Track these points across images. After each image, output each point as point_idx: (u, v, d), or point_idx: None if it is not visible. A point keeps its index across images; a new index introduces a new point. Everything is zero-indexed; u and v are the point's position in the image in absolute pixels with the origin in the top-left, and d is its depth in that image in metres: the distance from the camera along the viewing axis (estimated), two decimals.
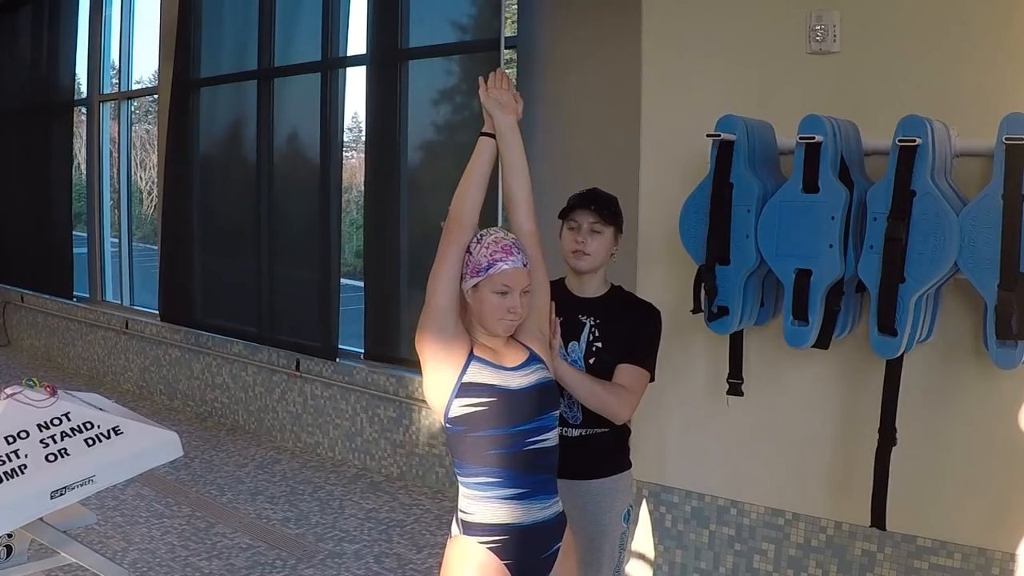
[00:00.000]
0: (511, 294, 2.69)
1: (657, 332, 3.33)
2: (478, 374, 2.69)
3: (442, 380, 2.71)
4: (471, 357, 2.72)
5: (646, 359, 3.25)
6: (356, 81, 7.20)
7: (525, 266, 2.74)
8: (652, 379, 3.27)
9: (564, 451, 2.90)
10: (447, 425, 2.73)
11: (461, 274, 2.73)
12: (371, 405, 6.94)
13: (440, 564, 2.87)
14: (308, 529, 5.79)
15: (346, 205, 8.93)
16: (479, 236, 2.75)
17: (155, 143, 9.22)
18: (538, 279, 2.86)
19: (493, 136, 2.89)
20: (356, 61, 7.18)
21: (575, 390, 3.10)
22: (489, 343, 2.77)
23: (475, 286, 2.72)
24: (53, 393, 3.71)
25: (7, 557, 3.87)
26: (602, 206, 3.23)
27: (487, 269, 2.69)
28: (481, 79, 2.95)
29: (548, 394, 2.78)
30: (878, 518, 3.42)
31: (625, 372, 3.19)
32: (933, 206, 3.05)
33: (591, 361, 3.23)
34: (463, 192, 2.79)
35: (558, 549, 2.82)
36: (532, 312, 2.85)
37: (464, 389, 2.68)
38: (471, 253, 2.73)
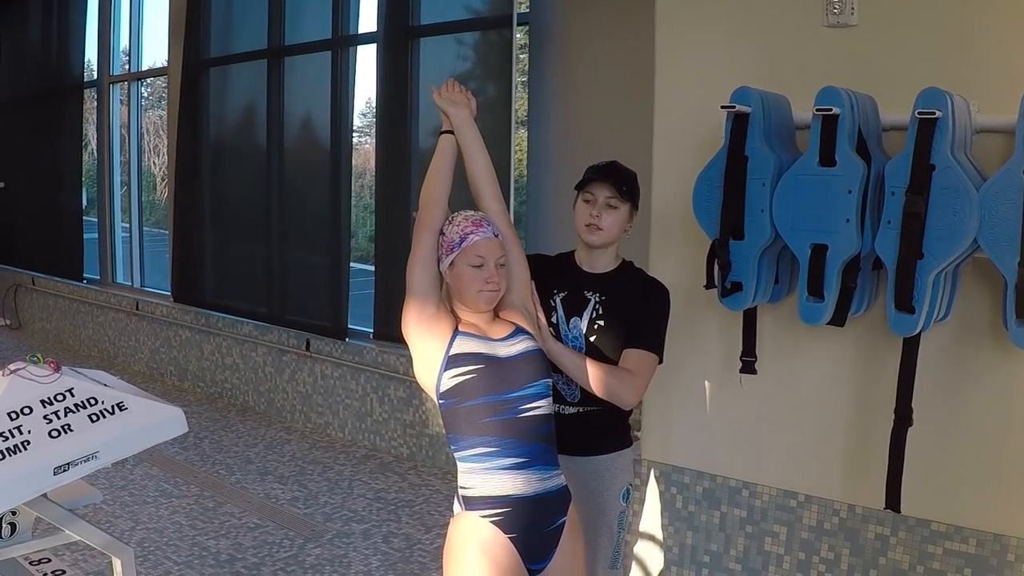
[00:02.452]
0: (486, 265, 2.78)
1: (665, 312, 3.27)
2: (465, 345, 2.75)
3: (430, 357, 2.76)
4: (456, 332, 2.78)
5: (653, 342, 3.19)
6: (370, 63, 7.15)
7: (497, 236, 2.83)
8: (661, 361, 3.21)
9: (562, 428, 2.89)
10: (440, 401, 2.76)
11: (438, 258, 2.82)
12: (381, 385, 6.91)
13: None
14: (316, 509, 5.76)
15: (360, 190, 8.91)
16: (450, 218, 2.87)
17: (167, 130, 9.19)
18: (513, 254, 2.95)
19: (452, 133, 3.03)
20: (367, 39, 7.13)
21: (578, 377, 3.06)
22: (473, 319, 2.83)
23: (451, 264, 2.80)
24: (57, 369, 3.67)
25: (11, 535, 3.84)
26: (620, 181, 3.16)
27: (460, 243, 2.78)
28: (433, 86, 3.12)
29: (536, 362, 2.82)
30: (893, 500, 3.36)
31: (632, 356, 3.14)
32: (953, 181, 2.97)
33: (592, 339, 3.17)
34: (429, 183, 2.95)
35: (563, 524, 2.81)
36: (513, 287, 2.93)
37: (452, 361, 2.73)
38: (444, 234, 2.83)
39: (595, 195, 3.16)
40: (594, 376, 3.05)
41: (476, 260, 2.77)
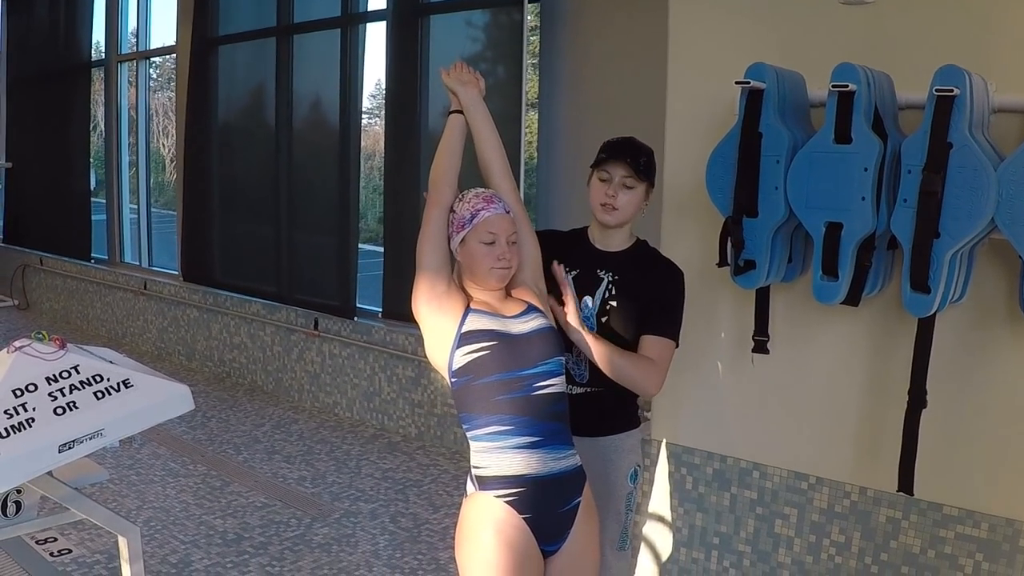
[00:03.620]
0: (498, 242, 2.76)
1: (681, 296, 3.22)
2: (477, 322, 2.72)
3: (442, 335, 2.75)
4: (468, 309, 2.76)
5: (670, 327, 3.14)
6: (379, 44, 7.10)
7: (508, 212, 2.81)
8: (677, 345, 3.17)
9: (570, 408, 2.84)
10: (452, 379, 2.75)
11: (448, 236, 2.81)
12: (389, 365, 6.90)
13: (456, 524, 2.83)
14: (324, 488, 5.75)
15: (369, 172, 8.88)
16: (460, 196, 2.85)
17: (176, 110, 9.16)
18: (524, 231, 2.93)
19: (461, 112, 3.01)
20: (376, 16, 7.09)
21: (603, 364, 3.01)
22: (485, 297, 2.82)
23: (462, 240, 2.79)
24: (62, 346, 3.65)
25: (16, 513, 3.82)
26: (637, 160, 3.10)
27: (471, 220, 2.76)
28: (441, 68, 3.10)
29: (549, 339, 2.80)
30: (906, 483, 3.32)
31: (651, 344, 3.09)
32: (971, 159, 2.93)
33: (603, 319, 3.13)
34: (438, 162, 2.94)
35: (577, 505, 2.78)
36: (524, 265, 2.91)
37: (465, 338, 2.70)
38: (455, 212, 2.81)
39: (611, 174, 3.10)
40: (619, 366, 3.01)
41: (488, 236, 2.75)
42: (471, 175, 3.01)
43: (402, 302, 6.81)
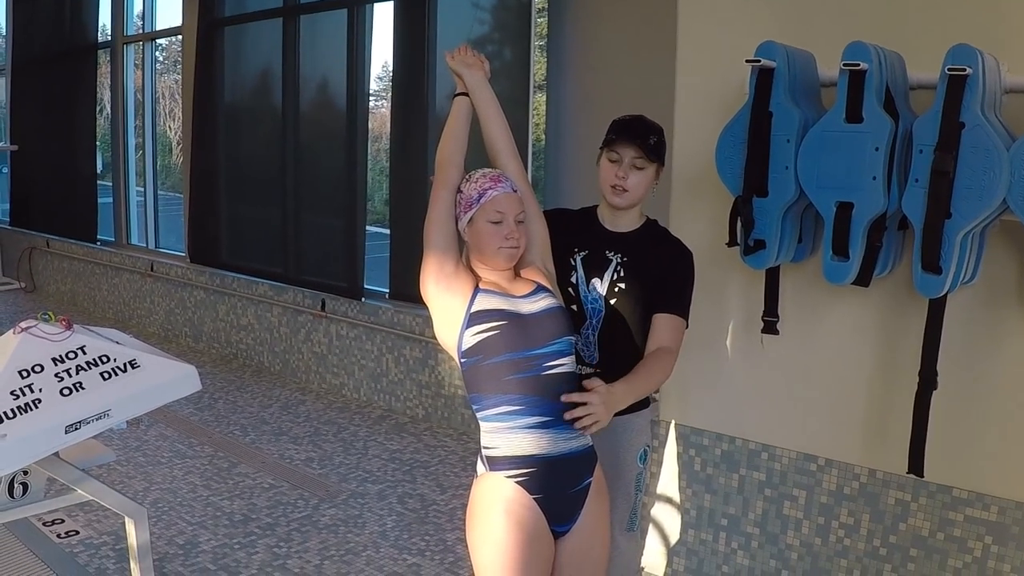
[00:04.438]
0: (505, 221, 2.74)
1: (690, 275, 3.19)
2: (486, 302, 2.71)
3: (451, 315, 2.73)
4: (477, 289, 2.74)
5: (681, 307, 3.12)
6: (387, 24, 7.07)
7: (515, 191, 2.79)
8: (687, 325, 3.15)
9: (580, 389, 2.80)
10: (462, 360, 2.72)
11: (456, 216, 2.79)
12: (396, 345, 6.89)
13: (464, 506, 2.82)
14: (331, 469, 5.75)
15: (376, 154, 8.87)
16: (468, 176, 2.83)
17: (182, 92, 9.15)
18: (531, 211, 2.91)
19: (466, 95, 3.01)
20: None
21: (648, 392, 3.05)
22: (493, 277, 2.80)
23: (470, 220, 2.77)
24: (68, 326, 3.64)
25: (24, 495, 3.82)
26: (647, 140, 3.06)
27: (478, 199, 2.75)
28: (446, 51, 3.10)
29: (559, 319, 2.77)
30: (916, 465, 3.31)
31: (663, 324, 3.06)
32: (983, 139, 2.90)
33: (612, 302, 3.10)
34: (444, 144, 2.95)
35: (588, 485, 2.77)
36: (532, 244, 2.90)
37: (474, 318, 2.69)
38: (462, 192, 2.80)
39: (621, 154, 3.06)
40: (654, 383, 3.03)
41: (495, 216, 2.72)
42: (478, 157, 2.99)
43: (409, 284, 6.81)
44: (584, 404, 2.65)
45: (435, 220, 2.78)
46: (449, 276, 2.74)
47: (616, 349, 3.12)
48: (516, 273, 2.86)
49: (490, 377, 2.67)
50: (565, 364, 2.73)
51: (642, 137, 3.06)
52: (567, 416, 2.66)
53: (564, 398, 2.67)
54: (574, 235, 3.15)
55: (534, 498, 2.67)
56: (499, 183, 2.76)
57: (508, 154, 2.97)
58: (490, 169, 2.87)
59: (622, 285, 3.10)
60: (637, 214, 3.19)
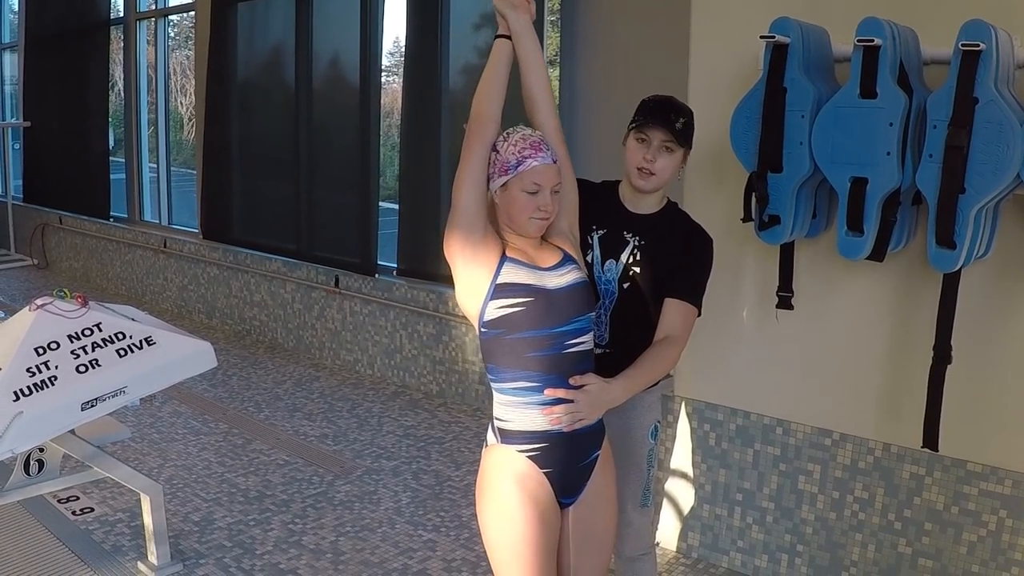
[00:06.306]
0: (542, 192, 2.62)
1: (708, 263, 3.12)
2: (513, 274, 2.61)
3: (476, 283, 2.63)
4: (504, 258, 2.63)
5: (694, 294, 3.04)
6: (399, 1, 7.03)
7: (555, 162, 2.67)
8: (699, 314, 3.10)
9: (596, 367, 2.79)
10: (482, 329, 2.65)
11: (488, 175, 2.65)
12: (410, 322, 6.89)
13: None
14: (346, 446, 5.76)
15: (388, 130, 8.84)
16: (505, 134, 2.67)
17: (195, 68, 9.13)
18: (566, 177, 2.80)
19: (508, 37, 2.80)
20: None
21: (650, 383, 3.00)
22: (520, 244, 2.69)
23: (504, 185, 2.64)
24: (84, 304, 3.65)
25: (39, 472, 3.84)
26: (677, 124, 2.97)
27: (516, 167, 2.61)
28: None
29: (583, 295, 2.71)
30: (931, 439, 3.32)
31: (673, 310, 2.99)
32: (996, 114, 2.90)
33: (625, 285, 3.06)
34: (482, 91, 2.72)
35: (596, 458, 2.76)
36: (563, 212, 2.79)
37: (499, 290, 2.60)
38: (498, 152, 2.64)
39: (649, 137, 2.97)
40: (658, 373, 2.97)
41: (532, 187, 2.61)
42: (513, 111, 2.84)
43: (417, 260, 6.86)
44: (570, 401, 2.62)
45: (466, 180, 2.63)
46: (476, 244, 2.62)
47: (627, 331, 3.08)
48: (543, 239, 2.78)
49: (510, 351, 2.62)
50: (585, 342, 2.69)
51: (672, 120, 2.97)
52: (544, 413, 2.61)
53: (548, 392, 2.61)
54: (594, 211, 3.09)
55: (544, 472, 2.66)
56: (539, 152, 2.63)
57: (547, 110, 2.84)
58: (530, 131, 2.72)
59: (636, 269, 3.05)
60: (658, 196, 3.11)
